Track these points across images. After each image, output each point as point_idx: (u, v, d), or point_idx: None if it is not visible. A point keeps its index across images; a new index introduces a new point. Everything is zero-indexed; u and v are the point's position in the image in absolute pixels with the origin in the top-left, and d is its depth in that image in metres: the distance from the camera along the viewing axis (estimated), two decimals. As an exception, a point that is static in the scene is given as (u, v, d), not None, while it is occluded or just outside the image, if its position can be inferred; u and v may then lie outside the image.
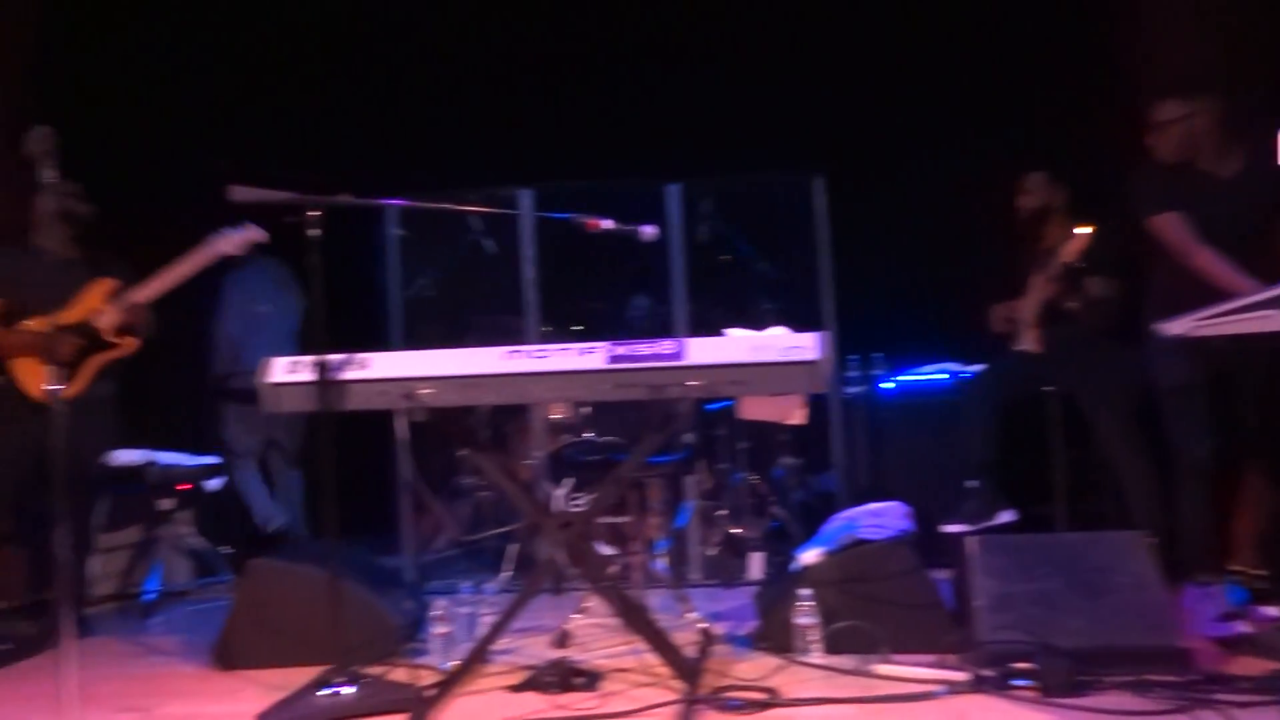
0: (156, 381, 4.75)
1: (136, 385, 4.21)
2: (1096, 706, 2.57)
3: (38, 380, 3.84)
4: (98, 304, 3.96)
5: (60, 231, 3.95)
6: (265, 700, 2.86)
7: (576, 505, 4.39)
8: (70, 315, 3.92)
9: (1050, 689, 2.66)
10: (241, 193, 2.81)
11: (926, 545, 3.39)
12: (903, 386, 4.80)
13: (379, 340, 4.94)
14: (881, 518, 3.38)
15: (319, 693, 2.82)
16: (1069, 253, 3.71)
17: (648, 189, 4.79)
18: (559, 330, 5.02)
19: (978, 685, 2.75)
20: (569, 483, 4.43)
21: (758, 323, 4.00)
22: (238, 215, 3.54)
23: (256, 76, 5.39)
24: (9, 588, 4.25)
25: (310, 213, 2.82)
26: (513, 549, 4.62)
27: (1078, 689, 2.65)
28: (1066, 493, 4.08)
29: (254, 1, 5.29)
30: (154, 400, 4.92)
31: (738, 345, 2.79)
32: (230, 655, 3.36)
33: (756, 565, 4.52)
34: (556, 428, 4.81)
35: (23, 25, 4.33)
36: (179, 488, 4.60)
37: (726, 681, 2.88)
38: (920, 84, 5.26)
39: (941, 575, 3.33)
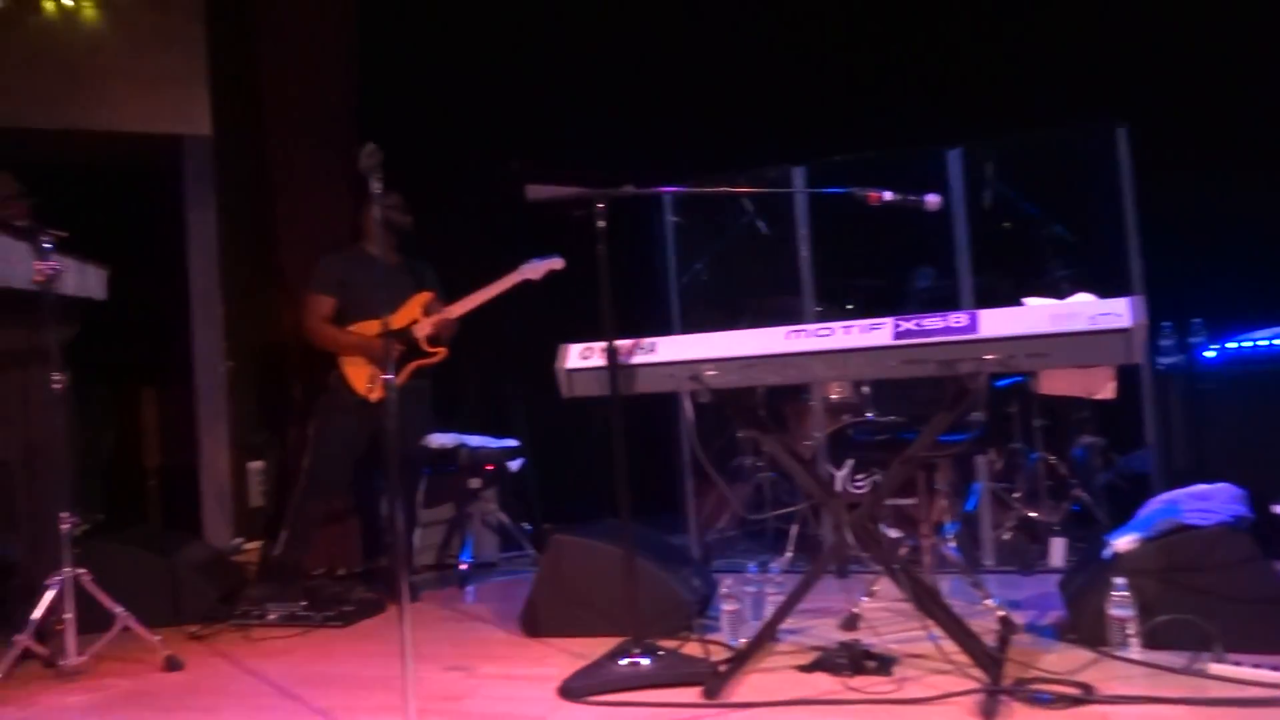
0: (464, 372, 5.16)
1: (447, 376, 4.60)
2: None
3: (362, 378, 4.29)
4: (417, 314, 4.38)
5: (386, 240, 4.37)
6: (569, 666, 3.04)
7: (858, 486, 4.30)
8: (394, 321, 4.34)
9: None
10: (535, 191, 2.98)
11: (1265, 532, 3.01)
12: (1228, 354, 4.28)
13: (658, 326, 5.07)
14: (1208, 501, 3.04)
15: (619, 662, 2.95)
16: None
17: (926, 156, 4.57)
18: (835, 310, 4.93)
19: (1337, 692, 2.43)
20: (849, 464, 4.35)
21: (1053, 291, 3.74)
22: (533, 215, 3.76)
23: (538, 80, 5.69)
24: (348, 556, 4.79)
25: (597, 205, 2.94)
26: (794, 530, 4.60)
27: None
28: None
29: (527, 7, 5.58)
30: (462, 389, 5.35)
31: (1037, 315, 2.60)
32: (536, 623, 3.59)
33: (1058, 551, 4.23)
34: (836, 408, 4.74)
35: (350, 59, 4.83)
36: (486, 468, 4.96)
37: (1032, 673, 2.72)
38: (1225, 10, 4.66)
39: (1285, 567, 2.96)
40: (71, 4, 4.66)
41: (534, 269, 4.28)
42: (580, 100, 5.70)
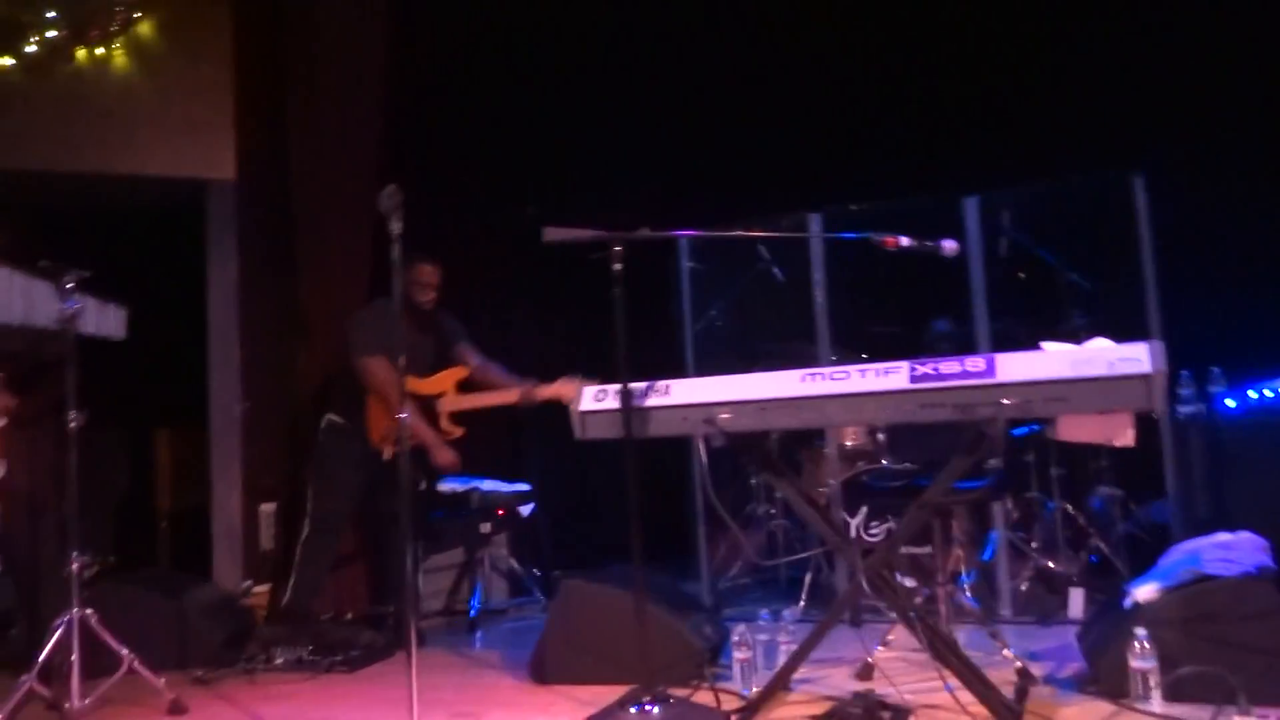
0: (474, 416, 5.15)
1: (459, 419, 4.59)
2: None
3: (380, 428, 4.27)
4: (448, 386, 4.35)
5: (422, 294, 4.36)
6: (578, 714, 2.99)
7: (873, 534, 4.25)
8: (424, 386, 4.32)
9: None
10: (552, 233, 2.99)
11: (1290, 584, 2.95)
12: (1250, 404, 4.23)
13: (673, 370, 5.06)
14: (1231, 551, 2.98)
15: (629, 710, 2.89)
16: None
17: (943, 204, 4.58)
18: (850, 356, 4.91)
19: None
20: (863, 511, 4.31)
21: (1071, 338, 3.71)
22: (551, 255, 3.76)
23: (560, 125, 5.76)
24: (356, 600, 4.75)
25: (614, 248, 2.95)
26: (808, 578, 4.54)
27: None
28: None
29: (549, 54, 5.66)
30: (474, 432, 5.33)
31: (1056, 360, 2.58)
32: (544, 670, 3.54)
33: (1076, 602, 4.16)
34: (851, 454, 4.70)
35: (376, 104, 4.90)
36: (497, 513, 4.93)
37: (1053, 726, 2.66)
38: (1242, 59, 4.69)
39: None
40: (103, 53, 4.77)
41: (542, 390, 4.21)
42: (600, 146, 5.76)
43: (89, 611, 3.29)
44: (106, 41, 4.69)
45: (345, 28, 4.85)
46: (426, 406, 4.32)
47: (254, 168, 4.99)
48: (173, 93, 4.87)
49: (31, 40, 4.60)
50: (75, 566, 3.29)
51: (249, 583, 4.82)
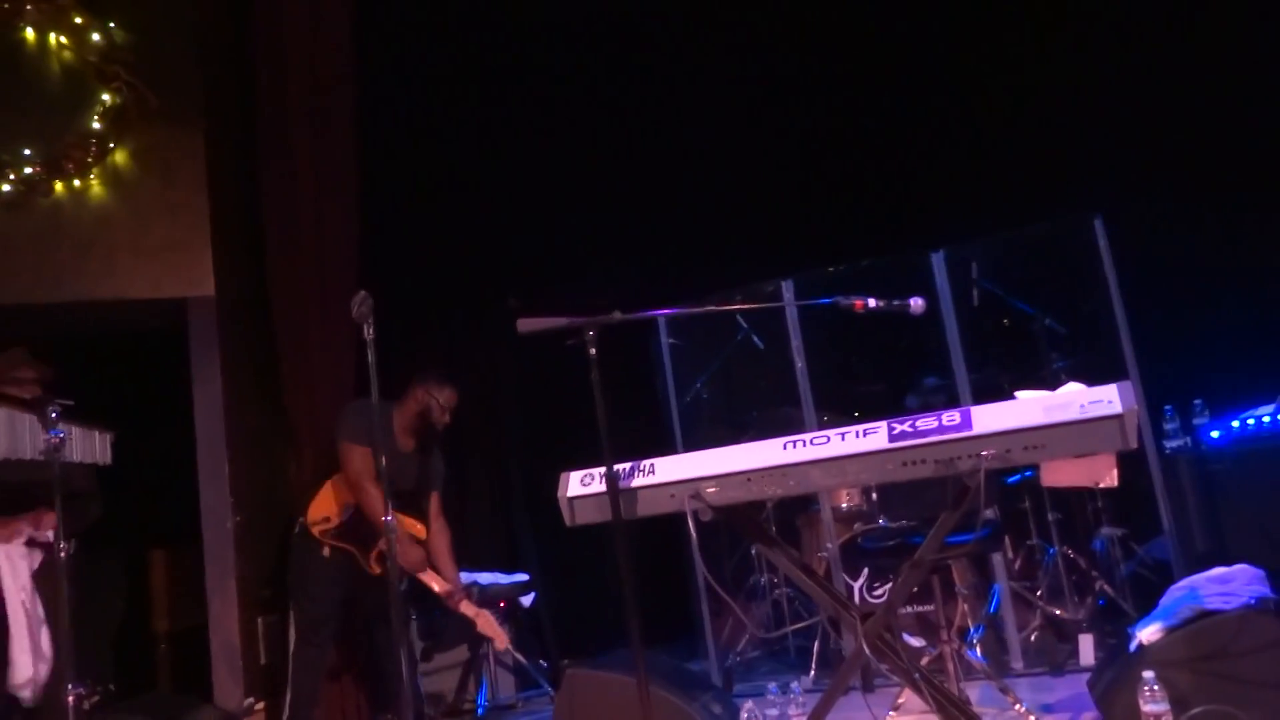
0: (470, 507, 5.14)
1: (452, 512, 4.57)
2: None
3: (323, 510, 4.24)
4: (408, 534, 4.20)
5: (414, 425, 4.30)
6: (591, 809, 2.92)
7: (876, 596, 4.22)
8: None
9: None
10: (527, 324, 3.03)
11: (1292, 613, 2.94)
12: (1233, 433, 4.26)
13: (661, 447, 5.08)
14: (1228, 584, 2.97)
15: (640, 800, 2.84)
16: None
17: (911, 261, 4.67)
18: (839, 418, 4.94)
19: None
20: (865, 573, 4.29)
21: (1051, 383, 3.76)
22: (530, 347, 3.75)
23: (533, 215, 5.85)
24: (359, 709, 4.67)
25: (589, 333, 2.99)
26: (817, 646, 4.49)
27: None
28: None
29: (510, 149, 5.79)
30: (469, 525, 5.31)
31: (1030, 407, 2.61)
32: (554, 764, 3.48)
33: (1087, 648, 4.11)
34: (847, 516, 4.70)
35: (350, 210, 4.99)
36: (499, 605, 4.88)
37: (1070, 779, 2.61)
38: (1190, 99, 4.82)
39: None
40: (79, 184, 4.86)
41: (480, 618, 4.22)
42: (575, 234, 5.84)
43: (87, 744, 3.23)
44: (83, 173, 4.79)
45: (317, 130, 4.95)
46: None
47: (233, 283, 5.05)
48: (149, 216, 4.94)
49: (9, 178, 4.69)
50: (71, 699, 3.23)
51: (250, 700, 4.74)
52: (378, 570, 4.16)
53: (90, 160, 4.80)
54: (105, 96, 4.79)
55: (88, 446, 3.77)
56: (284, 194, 4.99)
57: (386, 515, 2.67)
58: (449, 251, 5.67)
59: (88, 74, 4.80)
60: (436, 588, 4.19)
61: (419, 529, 4.27)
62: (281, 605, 4.81)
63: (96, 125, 4.79)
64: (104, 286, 4.91)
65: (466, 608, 4.21)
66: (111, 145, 4.84)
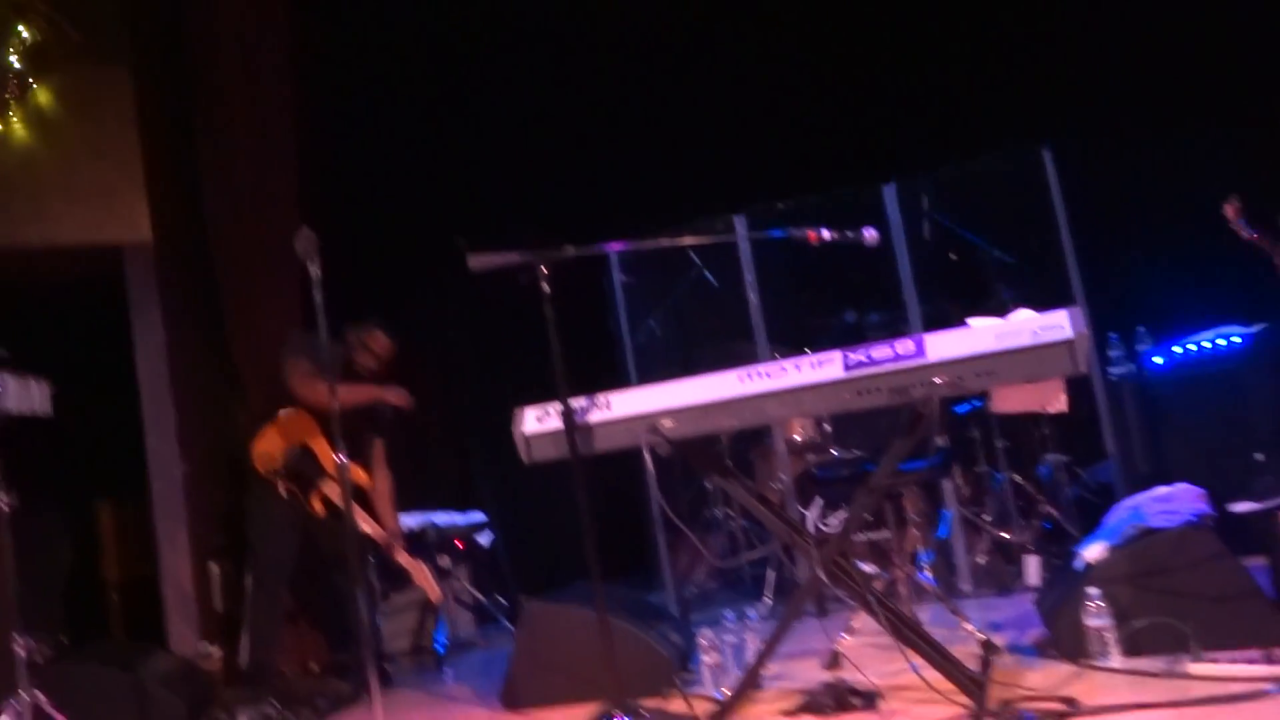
0: (425, 447, 5.09)
1: (407, 453, 4.53)
2: None
3: (271, 451, 4.13)
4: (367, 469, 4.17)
5: (363, 359, 4.19)
6: (553, 739, 2.96)
7: (829, 525, 4.29)
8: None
9: None
10: (478, 260, 2.98)
11: (1228, 529, 3.04)
12: (1175, 359, 4.36)
13: (615, 384, 5.05)
14: (1170, 503, 3.07)
15: (602, 728, 2.88)
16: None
17: (863, 193, 4.67)
18: (791, 352, 4.96)
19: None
20: (818, 503, 4.35)
21: (1000, 313, 3.80)
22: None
23: (479, 150, 5.73)
24: (318, 650, 4.67)
25: (541, 269, 2.94)
26: (771, 575, 4.57)
27: None
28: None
29: (454, 79, 5.64)
30: (424, 464, 5.28)
31: (982, 334, 2.64)
32: (516, 696, 3.51)
33: (1033, 570, 4.23)
34: (800, 447, 4.75)
35: (289, 147, 4.83)
36: (455, 545, 4.89)
37: (1017, 693, 2.69)
38: (1138, 30, 4.84)
39: (1252, 561, 2.98)
40: (1, 127, 4.65)
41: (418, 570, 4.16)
42: (523, 168, 5.75)
43: (36, 694, 3.19)
44: (2, 113, 4.58)
45: (250, 71, 4.78)
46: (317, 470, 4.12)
47: (171, 227, 4.90)
48: (77, 158, 4.76)
49: (-74, 119, 4.49)
50: (20, 650, 3.18)
51: (205, 646, 4.71)
52: (321, 510, 4.11)
53: (10, 98, 4.59)
54: (23, 31, 4.56)
55: (25, 397, 3.67)
56: (220, 137, 4.83)
57: (341, 455, 2.62)
58: (394, 191, 5.54)
59: (3, 7, 4.57)
60: (373, 533, 4.15)
61: (362, 476, 4.21)
62: (234, 552, 4.76)
63: (15, 62, 4.56)
64: (32, 231, 4.74)
65: (402, 557, 4.17)
66: (32, 83, 4.63)
